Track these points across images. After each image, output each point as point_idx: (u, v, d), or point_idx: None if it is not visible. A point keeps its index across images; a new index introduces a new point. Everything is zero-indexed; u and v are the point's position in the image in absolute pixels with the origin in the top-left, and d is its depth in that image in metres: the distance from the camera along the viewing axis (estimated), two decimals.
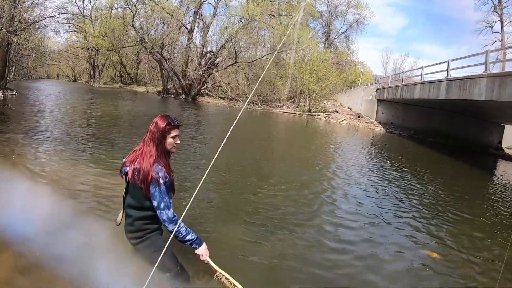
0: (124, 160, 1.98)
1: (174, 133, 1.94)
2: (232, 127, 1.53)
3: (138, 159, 1.88)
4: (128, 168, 1.92)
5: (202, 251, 2.03)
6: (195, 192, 1.53)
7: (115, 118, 9.88)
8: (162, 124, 1.89)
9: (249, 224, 3.39)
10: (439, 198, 5.81)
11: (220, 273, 2.04)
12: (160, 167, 1.86)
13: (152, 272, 1.07)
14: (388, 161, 9.49)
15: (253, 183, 4.99)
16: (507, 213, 5.49)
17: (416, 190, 6.13)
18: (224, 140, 1.64)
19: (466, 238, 4.02)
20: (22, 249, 2.25)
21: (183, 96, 19.84)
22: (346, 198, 4.85)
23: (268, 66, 18.03)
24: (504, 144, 20.24)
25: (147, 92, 21.47)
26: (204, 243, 2.05)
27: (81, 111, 9.89)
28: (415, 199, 5.43)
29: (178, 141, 1.99)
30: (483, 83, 9.77)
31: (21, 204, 2.84)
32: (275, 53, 18.56)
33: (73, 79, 29.28)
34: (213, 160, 1.31)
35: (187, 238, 1.97)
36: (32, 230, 2.44)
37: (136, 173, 1.86)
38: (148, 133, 1.92)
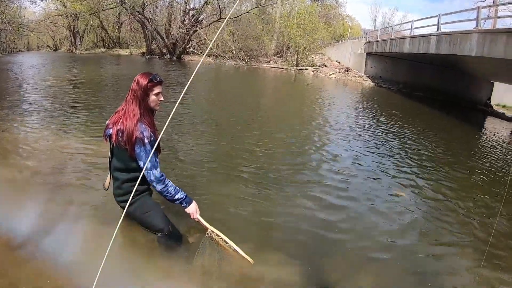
0: (107, 122, 1.90)
1: (156, 90, 1.85)
2: (190, 78, 1.43)
3: (121, 120, 1.81)
4: (111, 130, 1.85)
5: (192, 209, 2.00)
6: (160, 135, 1.42)
7: (100, 83, 9.62)
8: (144, 81, 1.81)
9: (241, 182, 3.34)
10: (430, 152, 5.86)
11: (212, 231, 2.03)
12: (144, 126, 1.80)
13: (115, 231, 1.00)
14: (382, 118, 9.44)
15: (245, 138, 4.92)
16: (497, 166, 5.58)
17: (407, 143, 6.17)
18: (182, 94, 1.50)
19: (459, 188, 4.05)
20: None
21: (168, 56, 19.31)
22: (339, 152, 4.83)
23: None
24: (493, 102, 20.28)
25: (131, 54, 20.82)
26: (194, 201, 2.01)
27: (65, 80, 9.55)
28: (407, 152, 5.46)
29: (162, 98, 1.90)
30: (474, 39, 9.62)
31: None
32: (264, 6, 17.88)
33: (54, 48, 28.14)
34: (173, 110, 1.18)
35: (176, 197, 1.93)
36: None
37: (120, 134, 1.81)
38: (130, 92, 1.83)
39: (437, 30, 12.25)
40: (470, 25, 10.42)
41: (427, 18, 13.95)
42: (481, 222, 3.22)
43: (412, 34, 14.69)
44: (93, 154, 3.49)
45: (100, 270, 0.87)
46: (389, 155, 5.12)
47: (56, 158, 3.36)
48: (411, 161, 4.97)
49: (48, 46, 29.85)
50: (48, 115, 5.03)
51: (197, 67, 1.10)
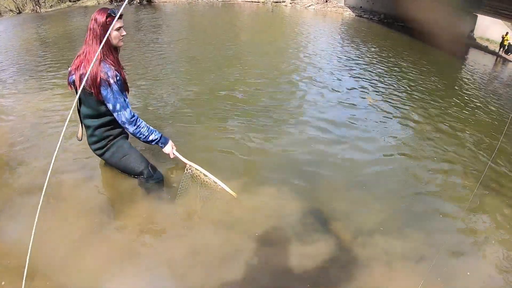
0: (69, 69, 1.71)
1: (118, 24, 1.68)
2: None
3: (83, 64, 1.63)
4: (74, 76, 1.67)
5: (169, 149, 1.89)
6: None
7: (70, 38, 9.08)
8: (102, 18, 1.62)
9: (223, 120, 3.23)
10: (416, 81, 5.84)
11: (191, 166, 1.94)
12: (108, 66, 1.63)
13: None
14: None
15: (225, 76, 4.75)
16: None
17: (391, 74, 6.10)
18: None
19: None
20: None
21: (138, 1, 18.23)
22: (324, 85, 4.72)
23: None
24: (476, 35, 20.03)
25: (98, 3, 19.58)
26: (169, 140, 1.88)
27: (33, 40, 8.93)
28: (392, 83, 5.41)
29: (124, 33, 1.71)
30: None
31: None
32: None
33: (17, 11, 26.24)
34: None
35: (151, 138, 1.80)
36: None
37: (83, 79, 1.58)
38: (89, 32, 1.63)
39: None
40: None
41: None
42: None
43: None
44: (67, 106, 3.42)
45: (36, 218, 0.74)
46: (377, 82, 5.18)
47: (33, 117, 3.27)
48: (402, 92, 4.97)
49: (10, 10, 27.85)
50: (20, 75, 4.86)
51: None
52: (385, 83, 5.43)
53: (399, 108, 4.26)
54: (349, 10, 18.59)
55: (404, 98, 4.75)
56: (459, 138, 3.57)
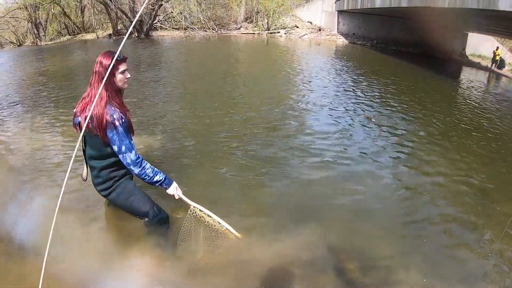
0: (74, 110, 1.78)
1: (122, 67, 1.75)
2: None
3: (88, 106, 1.70)
4: (80, 118, 1.74)
5: (173, 190, 1.93)
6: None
7: (70, 72, 9.29)
8: (107, 61, 1.68)
9: (223, 154, 3.31)
10: (411, 103, 6.01)
11: (194, 207, 1.98)
12: (113, 108, 1.70)
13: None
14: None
15: (222, 107, 4.87)
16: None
17: (388, 95, 6.31)
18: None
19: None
20: None
21: (136, 35, 18.66)
22: (322, 115, 4.81)
23: None
24: (468, 52, 20.47)
25: (97, 38, 20.03)
26: (173, 181, 1.93)
27: (33, 74, 9.14)
28: (389, 103, 5.64)
29: (128, 75, 1.79)
30: None
31: None
32: None
33: (18, 43, 26.85)
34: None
35: (155, 179, 1.85)
36: None
37: (89, 122, 1.68)
38: (94, 75, 1.71)
39: None
40: None
41: None
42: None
43: None
44: (71, 146, 3.43)
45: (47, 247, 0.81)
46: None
47: (33, 153, 3.32)
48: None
49: (11, 42, 28.44)
50: (21, 112, 4.91)
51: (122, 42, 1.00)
52: (388, 108, 5.54)
53: (403, 132, 4.32)
54: (342, 37, 19.05)
55: (407, 122, 4.78)
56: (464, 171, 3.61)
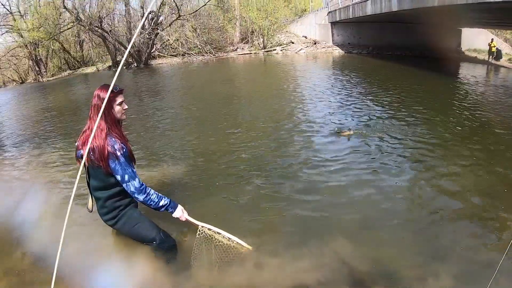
0: (76, 144, 1.85)
1: (119, 99, 1.82)
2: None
3: (89, 139, 1.76)
4: (82, 151, 1.81)
5: (179, 213, 1.97)
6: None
7: (73, 106, 9.44)
8: (104, 94, 1.76)
9: (229, 174, 3.35)
10: (413, 106, 5.96)
11: (202, 226, 2.01)
12: (114, 139, 1.76)
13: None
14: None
15: (226, 129, 4.92)
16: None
17: (394, 106, 6.18)
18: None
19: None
20: None
21: (135, 65, 19.00)
22: (325, 130, 4.76)
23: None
24: (463, 47, 20.57)
25: (98, 70, 20.42)
26: (179, 205, 1.98)
27: (38, 110, 9.32)
28: (399, 116, 5.44)
29: (126, 106, 1.87)
30: None
31: None
32: None
33: (21, 81, 27.39)
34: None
35: (161, 204, 1.90)
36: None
37: (91, 154, 1.74)
38: (93, 108, 1.78)
39: None
40: None
41: None
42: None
43: None
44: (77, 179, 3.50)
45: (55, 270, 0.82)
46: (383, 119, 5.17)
47: (40, 187, 3.36)
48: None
49: (13, 80, 29.03)
50: (30, 148, 4.98)
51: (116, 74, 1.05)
52: (395, 113, 5.49)
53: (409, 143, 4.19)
54: (338, 48, 19.23)
55: (417, 128, 4.68)
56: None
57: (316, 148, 3.99)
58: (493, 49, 17.48)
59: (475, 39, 19.85)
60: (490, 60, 17.47)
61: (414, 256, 2.12)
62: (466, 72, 12.92)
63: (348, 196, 2.84)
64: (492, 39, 17.74)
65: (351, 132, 4.30)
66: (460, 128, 4.73)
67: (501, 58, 17.85)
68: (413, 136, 4.29)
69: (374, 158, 3.63)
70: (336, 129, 4.52)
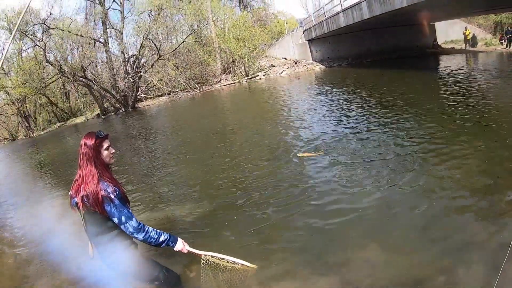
0: (69, 193, 1.89)
1: (105, 144, 1.89)
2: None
3: (82, 186, 1.80)
4: (76, 199, 1.83)
5: (180, 245, 1.99)
6: None
7: (66, 158, 9.45)
8: (90, 141, 1.84)
9: (226, 203, 3.45)
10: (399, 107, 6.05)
11: (205, 255, 2.04)
12: (106, 183, 1.81)
13: None
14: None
15: (216, 160, 5.01)
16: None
17: (382, 113, 6.17)
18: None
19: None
20: None
21: (123, 109, 19.18)
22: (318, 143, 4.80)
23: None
24: (439, 41, 21.08)
25: (87, 120, 20.56)
26: (179, 238, 2.00)
27: (29, 167, 9.39)
28: (379, 121, 5.50)
29: (113, 150, 1.94)
30: None
31: None
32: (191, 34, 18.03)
33: (12, 138, 27.41)
34: None
35: (161, 240, 1.92)
36: None
37: (85, 200, 1.78)
38: (81, 157, 1.84)
39: None
40: None
41: None
42: None
43: (343, 8, 15.11)
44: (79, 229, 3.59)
45: None
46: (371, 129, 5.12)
47: (40, 240, 3.43)
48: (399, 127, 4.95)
49: (4, 138, 29.07)
50: (23, 204, 5.04)
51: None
52: (384, 118, 5.44)
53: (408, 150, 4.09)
54: (318, 64, 19.62)
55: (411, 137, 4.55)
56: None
57: (311, 174, 3.92)
58: (469, 37, 17.92)
59: (450, 30, 20.35)
60: (467, 48, 17.87)
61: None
62: (446, 64, 13.10)
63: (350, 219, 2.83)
64: (466, 28, 18.15)
65: (318, 153, 4.08)
66: (455, 125, 4.63)
67: (477, 43, 18.29)
68: (409, 138, 4.27)
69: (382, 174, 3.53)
70: (298, 151, 4.33)
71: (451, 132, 4.30)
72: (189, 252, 2.03)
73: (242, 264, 2.08)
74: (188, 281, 2.18)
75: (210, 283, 2.02)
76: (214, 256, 2.06)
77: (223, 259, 2.06)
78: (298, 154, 4.20)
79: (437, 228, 2.45)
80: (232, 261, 2.07)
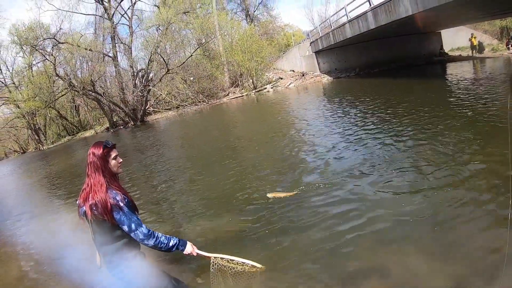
0: (77, 202, 1.90)
1: (113, 154, 1.91)
2: None
3: (90, 195, 1.81)
4: (84, 208, 1.83)
5: (190, 249, 2.01)
6: None
7: (76, 170, 9.53)
8: (98, 151, 1.85)
9: (236, 211, 3.48)
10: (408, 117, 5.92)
11: (215, 257, 2.07)
12: (114, 191, 1.82)
13: None
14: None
15: (232, 180, 4.88)
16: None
17: (390, 117, 6.15)
18: None
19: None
20: None
21: (132, 123, 19.35)
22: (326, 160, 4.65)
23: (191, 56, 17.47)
24: (446, 49, 21.04)
25: (96, 133, 20.78)
26: (187, 241, 2.02)
27: (41, 178, 9.51)
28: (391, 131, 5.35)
29: (121, 160, 1.95)
30: None
31: None
32: (200, 47, 18.22)
33: (22, 151, 27.82)
34: None
35: (171, 244, 1.94)
36: None
37: (94, 209, 1.78)
38: (89, 166, 1.85)
39: (370, 5, 12.68)
40: None
41: None
42: None
43: (349, 18, 15.10)
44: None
45: None
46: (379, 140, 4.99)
47: (53, 253, 3.44)
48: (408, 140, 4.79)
49: (15, 151, 29.49)
50: (36, 216, 5.09)
51: None
52: (398, 128, 5.29)
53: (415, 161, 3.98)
54: (326, 75, 19.64)
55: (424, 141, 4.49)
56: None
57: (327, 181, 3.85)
58: (475, 43, 17.80)
59: (456, 37, 20.26)
60: (474, 54, 17.74)
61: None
62: (454, 71, 13.00)
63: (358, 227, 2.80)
64: (472, 34, 18.07)
65: (292, 193, 3.68)
66: (465, 134, 4.50)
67: (484, 49, 18.14)
68: (423, 153, 4.12)
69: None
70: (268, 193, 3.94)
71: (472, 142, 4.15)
72: (198, 255, 2.05)
73: (251, 265, 2.09)
74: (199, 285, 2.20)
75: (220, 285, 2.04)
76: (224, 259, 2.07)
77: (232, 260, 2.07)
78: (267, 195, 3.75)
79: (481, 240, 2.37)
80: (242, 262, 2.08)
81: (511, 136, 3.33)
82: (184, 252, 2.01)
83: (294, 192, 3.67)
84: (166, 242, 1.91)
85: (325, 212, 3.11)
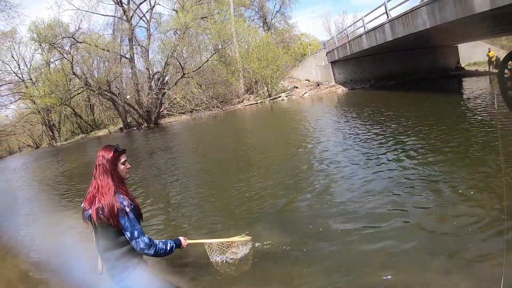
0: (82, 205, 1.87)
1: (123, 158, 1.91)
2: None
3: (97, 197, 1.78)
4: (90, 211, 1.80)
5: (184, 243, 2.08)
6: None
7: (88, 169, 9.51)
8: (108, 154, 1.84)
9: (244, 220, 3.49)
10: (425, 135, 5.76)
11: (206, 243, 2.21)
12: (122, 196, 1.79)
13: None
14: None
15: (236, 179, 5.02)
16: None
17: (408, 137, 5.90)
18: None
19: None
20: None
21: (145, 125, 19.49)
22: (338, 173, 4.58)
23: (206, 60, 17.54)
24: (462, 63, 20.80)
25: (110, 133, 21.00)
26: (179, 237, 2.09)
27: (52, 175, 9.60)
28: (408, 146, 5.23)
29: (129, 165, 1.95)
30: (424, 12, 10.06)
31: None
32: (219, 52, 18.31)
33: (35, 146, 28.30)
34: None
35: (169, 248, 1.97)
36: None
37: (100, 212, 1.74)
38: (98, 168, 1.83)
39: (387, 17, 12.63)
40: (416, 1, 10.69)
41: (374, 10, 14.16)
42: None
43: (366, 30, 15.09)
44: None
45: None
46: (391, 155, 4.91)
47: (57, 249, 3.51)
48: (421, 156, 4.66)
49: (28, 145, 30.01)
50: (47, 212, 5.13)
51: None
52: (407, 151, 5.06)
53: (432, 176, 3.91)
54: (341, 86, 19.54)
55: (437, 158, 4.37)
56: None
57: (340, 193, 3.82)
58: (493, 59, 17.51)
59: (473, 52, 20.07)
60: (491, 69, 17.46)
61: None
62: (470, 86, 12.74)
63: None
64: (489, 49, 17.80)
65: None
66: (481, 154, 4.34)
67: None
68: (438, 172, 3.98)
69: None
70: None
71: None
72: (191, 244, 2.11)
73: (239, 240, 2.29)
74: (200, 274, 2.28)
75: (218, 263, 2.20)
76: (212, 243, 2.22)
77: (222, 243, 2.23)
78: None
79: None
80: (232, 241, 2.26)
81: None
82: (181, 247, 2.07)
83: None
84: (164, 247, 1.93)
85: (339, 228, 3.07)
